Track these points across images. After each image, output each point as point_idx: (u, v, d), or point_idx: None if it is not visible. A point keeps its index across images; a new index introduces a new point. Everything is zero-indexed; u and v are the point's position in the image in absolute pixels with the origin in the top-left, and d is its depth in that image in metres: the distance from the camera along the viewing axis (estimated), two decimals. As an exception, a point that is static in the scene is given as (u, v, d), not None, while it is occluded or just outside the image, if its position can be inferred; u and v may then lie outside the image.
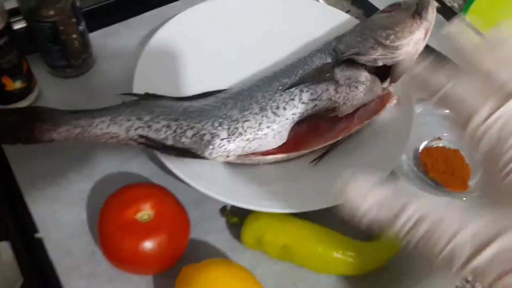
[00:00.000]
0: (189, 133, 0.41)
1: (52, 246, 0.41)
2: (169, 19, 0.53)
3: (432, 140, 0.51)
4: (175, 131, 0.40)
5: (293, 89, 0.44)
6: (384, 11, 0.49)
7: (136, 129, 0.39)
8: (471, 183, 0.47)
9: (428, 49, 0.56)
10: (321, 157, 0.46)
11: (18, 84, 0.46)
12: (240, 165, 0.44)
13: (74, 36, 0.47)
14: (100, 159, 0.46)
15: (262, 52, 0.54)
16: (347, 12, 0.63)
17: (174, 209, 0.38)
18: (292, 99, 0.44)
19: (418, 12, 0.46)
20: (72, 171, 0.46)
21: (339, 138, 0.46)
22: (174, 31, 0.51)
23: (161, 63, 0.49)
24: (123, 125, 0.40)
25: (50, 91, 0.51)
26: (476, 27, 0.26)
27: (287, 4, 0.56)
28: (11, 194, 0.44)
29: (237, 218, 0.42)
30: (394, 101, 0.47)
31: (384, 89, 0.47)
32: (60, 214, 0.43)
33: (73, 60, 0.50)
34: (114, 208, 0.37)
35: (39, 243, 0.41)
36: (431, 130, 0.51)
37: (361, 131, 0.47)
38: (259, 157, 0.44)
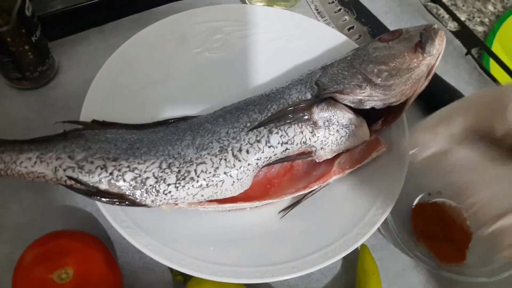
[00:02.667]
0: (129, 176, 0.35)
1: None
2: (147, 26, 0.46)
3: (429, 195, 0.43)
4: (111, 173, 0.34)
5: (262, 128, 0.38)
6: (382, 39, 0.41)
7: (65, 169, 0.34)
8: (470, 254, 0.39)
9: (441, 85, 0.49)
10: (290, 207, 0.40)
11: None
12: (193, 210, 0.39)
13: (26, 47, 0.42)
14: (45, 186, 0.42)
15: (243, 72, 0.47)
16: (349, 29, 0.55)
17: (100, 267, 0.33)
18: (258, 141, 0.37)
19: (421, 45, 0.38)
20: (13, 201, 0.41)
21: (314, 188, 0.39)
22: (139, 46, 0.44)
23: (121, 83, 0.43)
24: (51, 164, 0.34)
25: (6, 103, 0.47)
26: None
27: (276, 20, 0.48)
28: None
29: (181, 277, 0.37)
30: (382, 149, 0.40)
31: (373, 133, 0.40)
32: (-10, 250, 0.39)
33: (28, 73, 0.45)
34: (29, 263, 0.32)
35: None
36: (430, 181, 0.43)
37: (342, 179, 0.40)
38: (215, 205, 0.38)
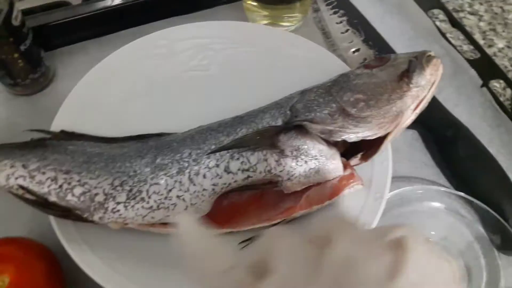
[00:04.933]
0: (78, 190, 0.34)
1: None
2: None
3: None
4: (60, 186, 0.34)
5: (224, 153, 0.35)
6: (367, 65, 0.37)
7: (17, 178, 0.34)
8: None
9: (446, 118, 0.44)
10: (251, 239, 0.37)
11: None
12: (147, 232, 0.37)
13: (15, 55, 0.43)
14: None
15: (229, 92, 0.45)
16: (354, 52, 0.51)
17: (40, 278, 0.32)
18: (217, 166, 0.35)
19: (407, 74, 0.34)
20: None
21: (277, 221, 0.36)
22: (123, 60, 0.44)
23: (100, 96, 0.43)
24: (4, 171, 0.34)
25: (0, 108, 0.48)
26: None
27: (270, 39, 0.46)
28: None
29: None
30: (357, 186, 0.36)
31: (348, 167, 0.36)
32: None
33: (20, 79, 0.46)
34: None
35: None
36: (415, 225, 0.38)
37: (310, 215, 0.37)
38: (168, 229, 0.36)
